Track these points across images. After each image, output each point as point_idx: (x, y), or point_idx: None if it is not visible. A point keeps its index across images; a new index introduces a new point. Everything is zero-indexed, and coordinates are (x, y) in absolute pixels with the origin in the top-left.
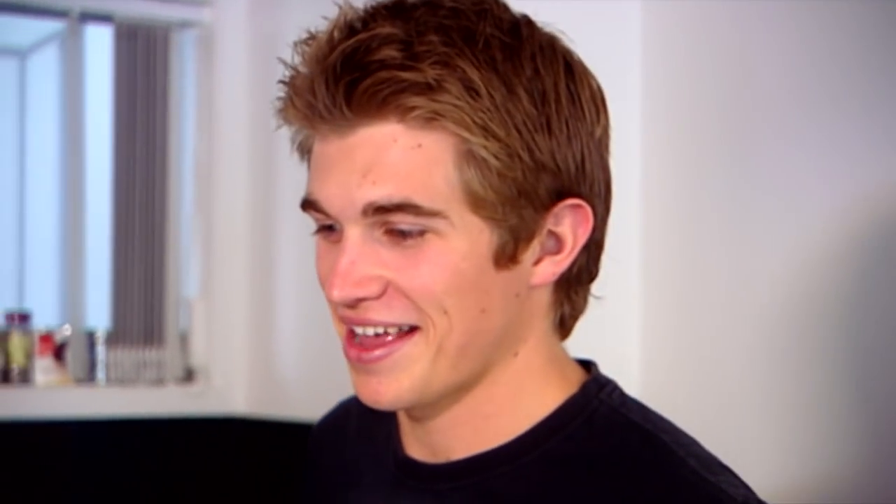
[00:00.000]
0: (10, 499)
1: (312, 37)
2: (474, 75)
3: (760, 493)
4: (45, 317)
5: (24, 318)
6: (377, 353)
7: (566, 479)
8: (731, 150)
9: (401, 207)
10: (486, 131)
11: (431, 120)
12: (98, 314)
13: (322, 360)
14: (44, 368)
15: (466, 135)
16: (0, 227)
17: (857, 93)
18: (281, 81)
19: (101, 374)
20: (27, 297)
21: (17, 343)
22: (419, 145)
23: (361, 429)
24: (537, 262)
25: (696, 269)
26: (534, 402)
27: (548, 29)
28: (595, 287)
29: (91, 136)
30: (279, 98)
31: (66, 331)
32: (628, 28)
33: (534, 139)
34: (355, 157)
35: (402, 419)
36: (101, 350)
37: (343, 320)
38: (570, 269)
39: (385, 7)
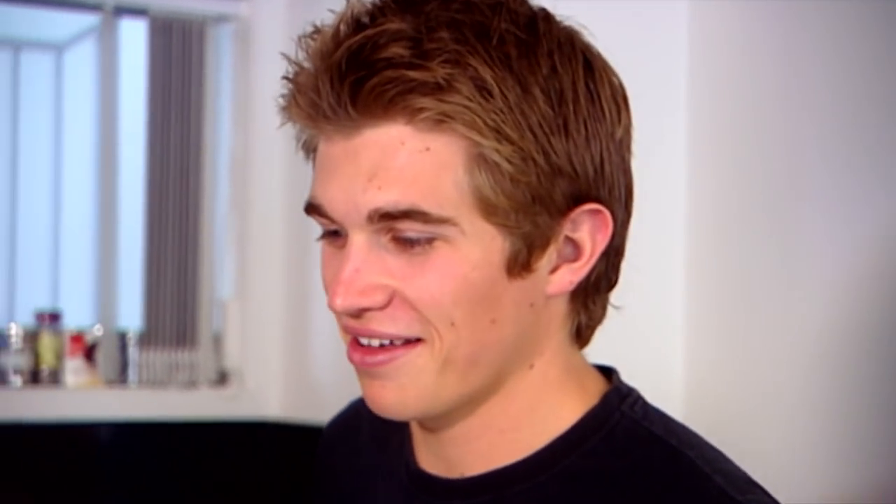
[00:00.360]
0: (39, 501)
1: (318, 31)
2: (487, 74)
3: None
4: (76, 317)
5: (54, 317)
6: (381, 357)
7: (585, 497)
8: (780, 159)
9: (408, 214)
10: (498, 133)
11: (440, 122)
12: (130, 314)
13: None
14: (74, 369)
15: (477, 137)
16: (35, 224)
17: None
18: (285, 77)
19: (132, 375)
20: (61, 296)
21: (47, 343)
22: (427, 148)
23: (374, 434)
24: (554, 271)
25: (743, 282)
26: (551, 415)
27: (567, 23)
28: (638, 305)
29: (126, 133)
30: (282, 95)
31: (98, 331)
32: (675, 32)
33: (549, 141)
34: (360, 160)
35: (415, 430)
36: (132, 351)
37: (346, 330)
38: (588, 276)
39: (395, 0)
